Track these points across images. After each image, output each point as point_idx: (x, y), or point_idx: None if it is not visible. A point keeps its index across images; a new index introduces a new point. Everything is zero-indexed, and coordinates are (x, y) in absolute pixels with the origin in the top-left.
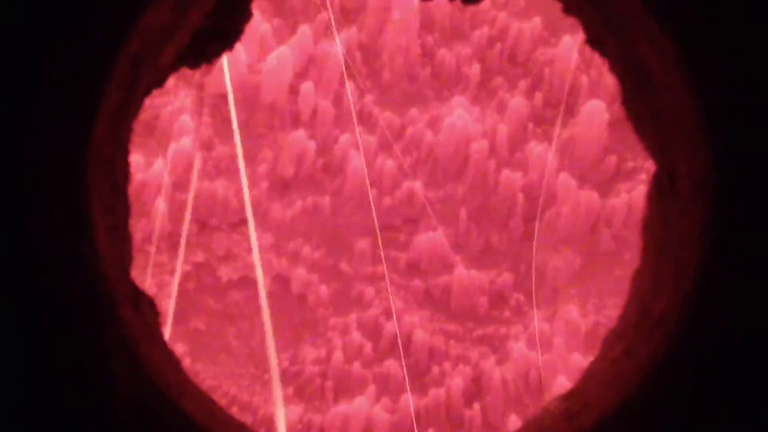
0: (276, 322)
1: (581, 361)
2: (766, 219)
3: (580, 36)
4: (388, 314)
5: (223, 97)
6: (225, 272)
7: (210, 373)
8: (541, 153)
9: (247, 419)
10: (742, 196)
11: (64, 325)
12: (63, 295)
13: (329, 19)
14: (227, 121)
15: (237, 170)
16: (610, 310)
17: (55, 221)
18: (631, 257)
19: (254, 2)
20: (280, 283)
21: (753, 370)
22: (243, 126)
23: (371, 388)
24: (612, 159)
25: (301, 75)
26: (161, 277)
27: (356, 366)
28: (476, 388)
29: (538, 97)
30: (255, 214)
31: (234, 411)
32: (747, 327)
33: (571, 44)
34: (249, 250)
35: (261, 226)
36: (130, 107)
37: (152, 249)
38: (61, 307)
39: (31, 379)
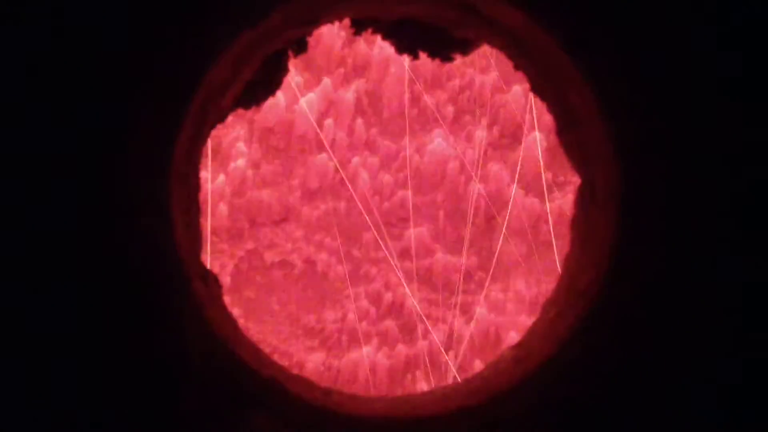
0: (305, 293)
1: (526, 321)
2: (661, 219)
3: (526, 85)
4: (387, 287)
5: (268, 129)
6: (268, 257)
7: (257, 330)
8: (498, 171)
9: (284, 362)
10: (643, 202)
11: (153, 296)
12: (152, 273)
13: (344, 73)
14: (270, 147)
15: (277, 182)
16: (547, 285)
17: (147, 220)
18: (562, 246)
19: (290, 61)
20: (308, 264)
21: (652, 329)
22: (282, 151)
23: (374, 341)
24: (549, 175)
25: (323, 114)
26: (222, 260)
27: (363, 324)
28: (450, 341)
29: (496, 130)
30: (291, 214)
31: (275, 357)
32: (648, 297)
33: (519, 91)
34: (286, 241)
35: (295, 223)
36: (200, 137)
37: (216, 240)
38: (151, 282)
39: (128, 336)
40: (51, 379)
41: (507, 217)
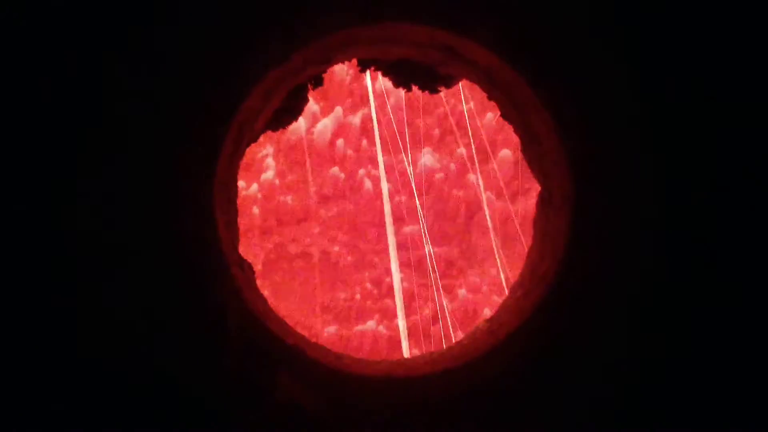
0: (321, 277)
1: (498, 300)
2: (605, 219)
3: (497, 112)
4: (386, 273)
5: (292, 147)
6: (292, 249)
7: (283, 307)
8: (475, 180)
9: (305, 333)
10: (591, 205)
11: (200, 280)
12: (200, 262)
13: (352, 102)
14: (294, 162)
15: (299, 189)
16: (514, 270)
17: (196, 220)
18: (526, 240)
19: (309, 93)
20: (324, 254)
21: (597, 306)
22: (302, 164)
23: (377, 316)
24: (516, 183)
25: (336, 135)
26: (255, 252)
27: (368, 303)
28: (437, 316)
29: (473, 147)
30: (309, 215)
31: (297, 328)
32: (594, 281)
33: (492, 117)
34: (305, 236)
35: (313, 222)
36: (238, 153)
37: (251, 235)
38: (197, 270)
39: (182, 311)
40: (130, 341)
41: (482, 218)
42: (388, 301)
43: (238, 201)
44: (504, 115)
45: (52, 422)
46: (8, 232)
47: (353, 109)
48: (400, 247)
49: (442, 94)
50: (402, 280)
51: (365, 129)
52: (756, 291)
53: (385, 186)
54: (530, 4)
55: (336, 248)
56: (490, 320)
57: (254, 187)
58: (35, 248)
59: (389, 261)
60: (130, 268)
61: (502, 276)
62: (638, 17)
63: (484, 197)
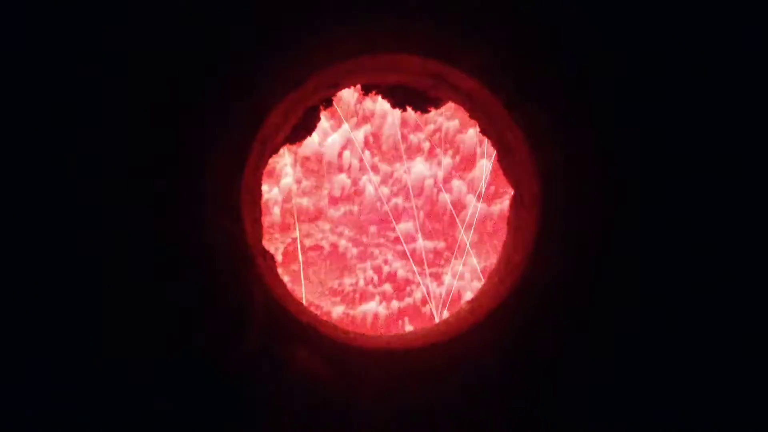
0: (331, 266)
1: (478, 285)
2: (568, 218)
3: (478, 128)
4: (385, 262)
5: (306, 158)
6: (307, 242)
7: (299, 290)
8: (459, 185)
9: (317, 312)
10: (556, 206)
11: (230, 268)
12: (229, 254)
13: (357, 120)
14: (308, 170)
15: (312, 193)
16: (492, 260)
17: (226, 218)
18: (501, 235)
19: (321, 112)
20: (333, 247)
21: (563, 291)
22: (315, 172)
23: (377, 298)
24: (493, 187)
25: (343, 147)
26: (276, 245)
27: (369, 287)
28: (427, 299)
29: (458, 158)
30: (321, 214)
31: (311, 308)
32: (559, 270)
33: (473, 132)
34: (318, 232)
35: (324, 220)
36: (261, 163)
37: (272, 231)
38: (229, 260)
39: (212, 296)
40: (169, 319)
41: (464, 216)
42: (387, 286)
43: (262, 202)
44: (483, 131)
45: (90, 396)
46: (73, 229)
47: (358, 126)
48: (396, 241)
49: (431, 113)
50: (398, 269)
51: (368, 143)
52: (705, 277)
53: (383, 190)
54: (505, 40)
55: (343, 242)
56: (472, 302)
57: (275, 191)
58: (96, 242)
59: (387, 253)
60: (172, 258)
61: (480, 266)
62: (597, 53)
63: (466, 199)
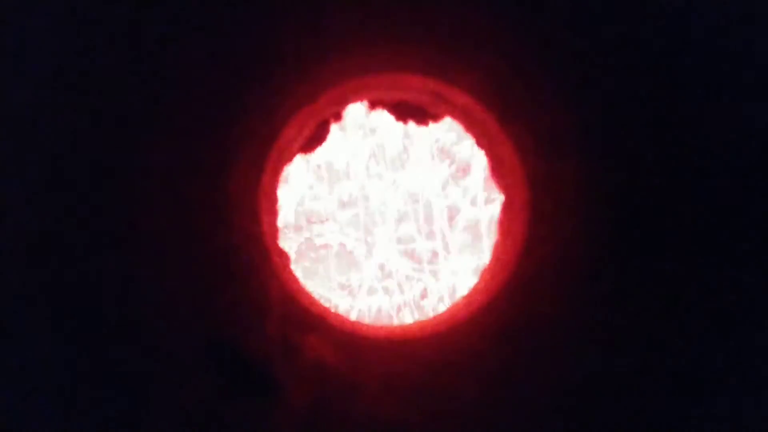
0: (339, 263)
1: (472, 281)
2: (555, 222)
3: (472, 140)
4: (387, 260)
5: (318, 166)
6: (318, 241)
7: (310, 285)
8: (454, 191)
9: (327, 305)
10: (543, 211)
11: (249, 265)
12: (248, 252)
13: (363, 133)
14: (319, 177)
15: (322, 197)
16: (484, 259)
17: (246, 219)
18: (493, 237)
19: (331, 125)
20: (341, 246)
21: (550, 289)
22: (325, 179)
23: (380, 292)
24: (485, 193)
25: (351, 157)
26: (290, 244)
27: (374, 282)
28: (424, 293)
29: (454, 167)
30: (330, 217)
31: (321, 301)
32: (547, 269)
33: (468, 144)
34: (328, 232)
35: (333, 222)
36: (278, 170)
37: (287, 231)
38: (248, 257)
39: (232, 290)
40: (192, 310)
41: (457, 220)
42: (389, 281)
43: (278, 206)
44: (477, 143)
45: (114, 380)
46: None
47: (364, 138)
48: (397, 241)
49: (430, 127)
50: (399, 266)
51: (373, 153)
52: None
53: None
54: (499, 62)
55: (350, 242)
56: (466, 297)
57: (290, 195)
58: (138, 241)
59: (390, 252)
60: (197, 255)
61: (474, 264)
62: (584, 75)
63: (461, 204)
